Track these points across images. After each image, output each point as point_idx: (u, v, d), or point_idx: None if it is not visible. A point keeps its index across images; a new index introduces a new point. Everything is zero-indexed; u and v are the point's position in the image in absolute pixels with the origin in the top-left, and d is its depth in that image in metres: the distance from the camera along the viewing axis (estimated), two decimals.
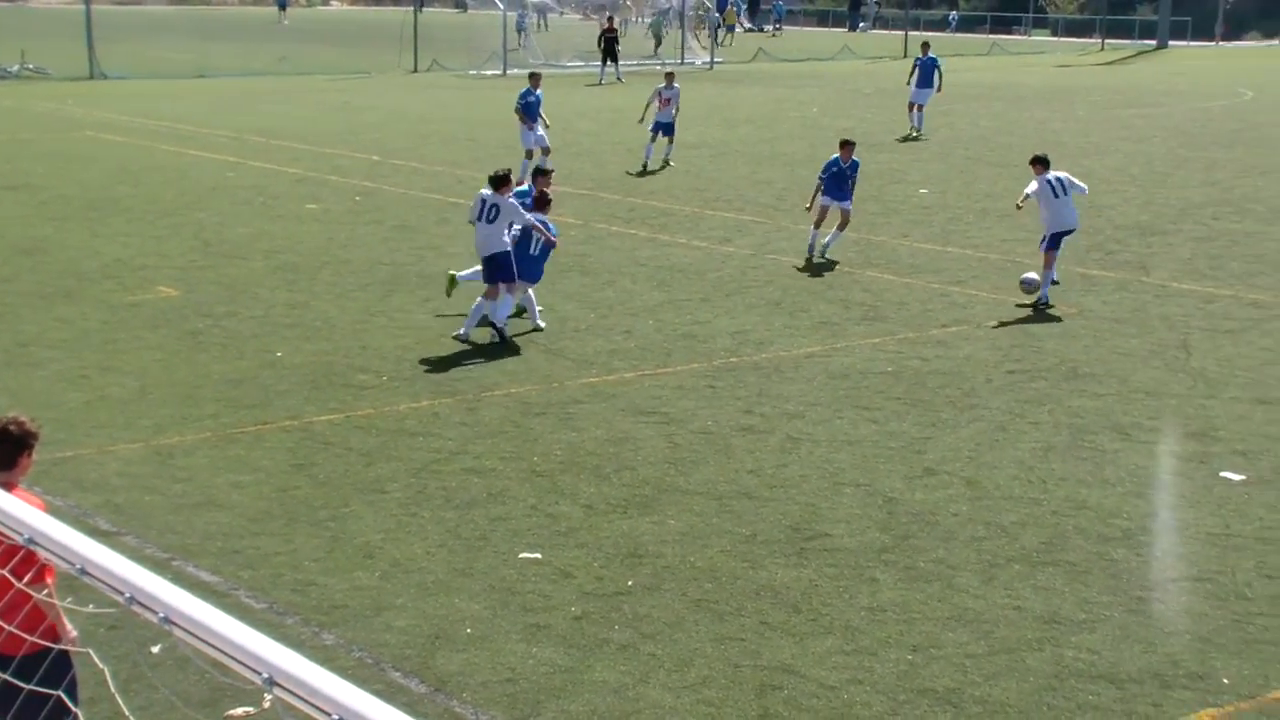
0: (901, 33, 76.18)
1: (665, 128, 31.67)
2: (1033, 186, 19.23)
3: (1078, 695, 8.73)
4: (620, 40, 56.35)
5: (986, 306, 18.96)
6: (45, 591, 6.11)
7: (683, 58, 64.69)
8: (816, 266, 21.32)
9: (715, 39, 68.41)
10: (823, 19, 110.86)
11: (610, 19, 58.58)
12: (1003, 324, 17.99)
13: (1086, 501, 11.99)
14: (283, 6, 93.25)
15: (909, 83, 38.69)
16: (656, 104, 31.89)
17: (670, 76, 32.84)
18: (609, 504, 11.91)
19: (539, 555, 10.84)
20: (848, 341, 17.23)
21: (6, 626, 5.86)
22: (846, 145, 21.95)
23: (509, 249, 16.87)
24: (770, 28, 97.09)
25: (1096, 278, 20.61)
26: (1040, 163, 19.62)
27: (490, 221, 16.81)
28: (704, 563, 10.74)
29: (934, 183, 29.78)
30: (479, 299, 16.89)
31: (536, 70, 32.62)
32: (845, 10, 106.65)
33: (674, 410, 14.46)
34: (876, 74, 59.70)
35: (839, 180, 21.74)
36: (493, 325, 16.81)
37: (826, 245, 21.68)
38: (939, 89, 38.27)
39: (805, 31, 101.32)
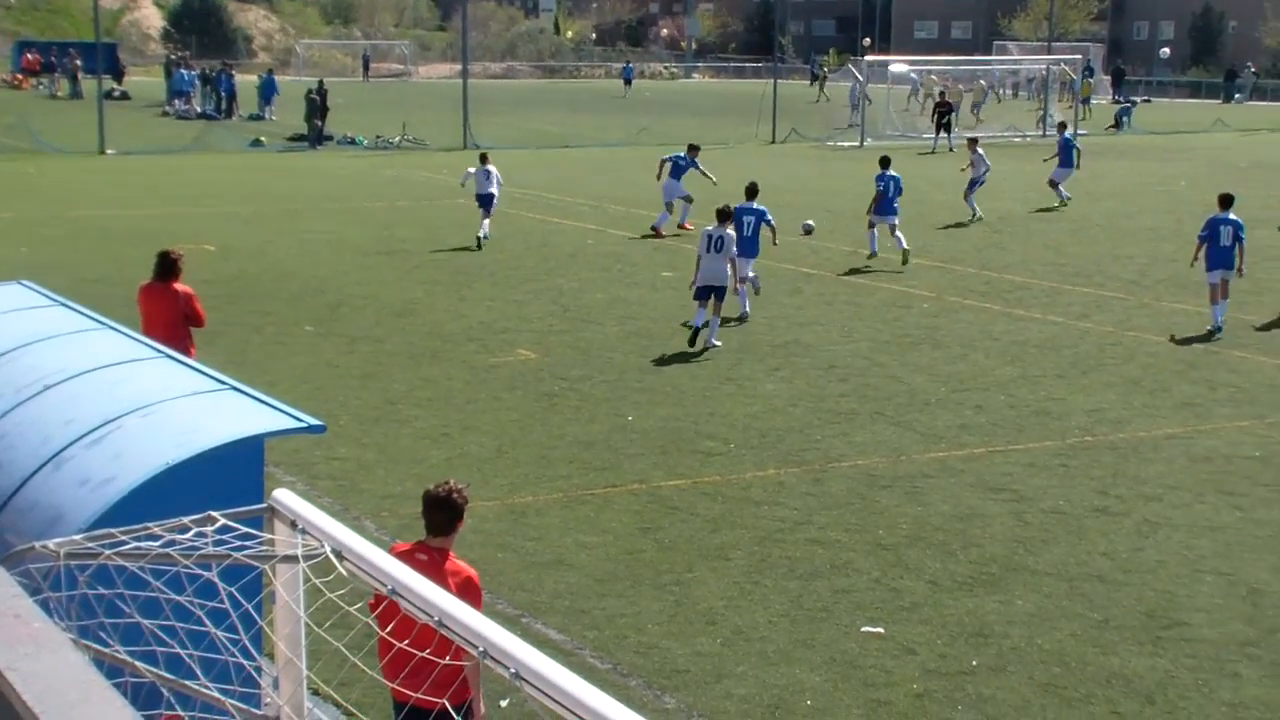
0: None
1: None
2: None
3: None
4: (953, 112, 58.85)
5: None
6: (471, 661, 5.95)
7: (1044, 129, 63.40)
8: (1179, 345, 20.58)
9: (1076, 111, 66.77)
10: (1194, 90, 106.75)
11: (942, 93, 61.50)
12: None
13: None
14: (628, 81, 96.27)
15: None
16: None
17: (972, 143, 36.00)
18: (955, 581, 11.69)
19: (882, 630, 10.72)
20: (1212, 424, 16.53)
21: (415, 692, 5.68)
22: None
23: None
24: (1137, 99, 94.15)
25: None
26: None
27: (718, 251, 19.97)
28: (1052, 646, 10.43)
29: None
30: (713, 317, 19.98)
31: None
32: (1219, 81, 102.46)
33: (1024, 488, 14.12)
34: (1253, 147, 57.33)
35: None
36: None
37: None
38: None
39: (1175, 103, 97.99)
